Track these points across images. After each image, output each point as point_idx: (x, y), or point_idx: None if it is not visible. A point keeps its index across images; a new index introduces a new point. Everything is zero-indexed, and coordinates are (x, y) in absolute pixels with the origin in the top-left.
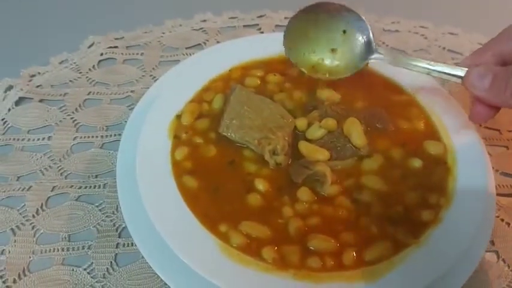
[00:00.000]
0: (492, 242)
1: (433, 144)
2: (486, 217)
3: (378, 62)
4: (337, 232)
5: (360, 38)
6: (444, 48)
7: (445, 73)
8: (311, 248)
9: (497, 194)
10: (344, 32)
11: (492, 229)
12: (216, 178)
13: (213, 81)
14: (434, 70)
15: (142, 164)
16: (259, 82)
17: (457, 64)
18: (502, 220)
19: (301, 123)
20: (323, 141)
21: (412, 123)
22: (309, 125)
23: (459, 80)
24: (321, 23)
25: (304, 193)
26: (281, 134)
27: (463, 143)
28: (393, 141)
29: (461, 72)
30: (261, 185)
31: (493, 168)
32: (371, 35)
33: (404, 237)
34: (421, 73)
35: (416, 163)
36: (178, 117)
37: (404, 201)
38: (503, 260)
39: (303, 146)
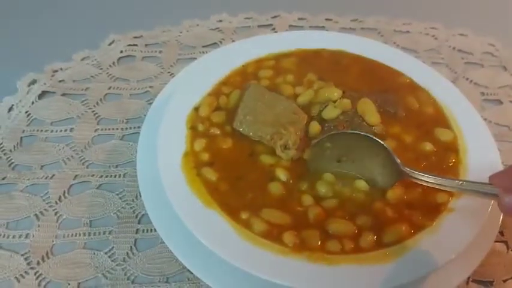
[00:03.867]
0: (501, 233)
1: (444, 131)
2: (495, 208)
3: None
4: (355, 216)
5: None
6: (454, 48)
7: (476, 191)
8: (330, 232)
9: None
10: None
11: (501, 220)
12: (238, 169)
13: (230, 76)
14: (465, 189)
15: (163, 152)
16: (272, 73)
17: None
18: None
19: (314, 127)
20: (338, 120)
21: (423, 110)
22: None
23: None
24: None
25: (323, 183)
26: (293, 129)
27: (474, 138)
28: (404, 125)
29: (492, 191)
30: (282, 174)
31: (502, 163)
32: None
33: (420, 220)
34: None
35: (428, 147)
36: (196, 109)
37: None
38: None
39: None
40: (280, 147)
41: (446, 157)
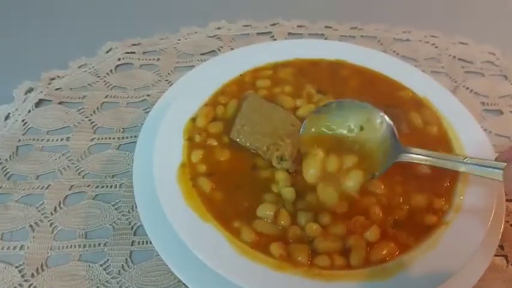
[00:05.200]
0: (501, 247)
1: None
2: (495, 222)
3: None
4: (345, 233)
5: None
6: (455, 57)
7: (483, 166)
8: (319, 249)
9: (507, 200)
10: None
11: (501, 234)
12: (238, 180)
13: (227, 85)
14: (471, 165)
15: (159, 164)
16: (270, 83)
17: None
18: None
19: None
20: None
21: (426, 129)
22: None
23: (499, 177)
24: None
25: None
26: (290, 141)
27: (473, 149)
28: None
29: (499, 167)
30: (276, 187)
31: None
32: (394, 131)
33: (407, 240)
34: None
35: (424, 169)
36: (193, 120)
37: (409, 204)
38: None
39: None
40: (277, 158)
41: (442, 180)
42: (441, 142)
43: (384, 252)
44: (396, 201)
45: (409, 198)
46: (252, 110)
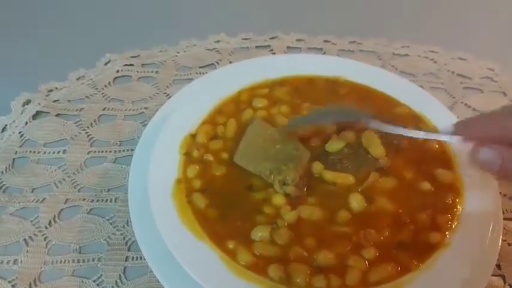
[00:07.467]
0: (499, 266)
1: (445, 173)
2: (492, 241)
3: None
4: (344, 252)
5: None
6: (453, 72)
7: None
8: (317, 263)
9: (505, 219)
10: None
11: (499, 253)
12: (233, 198)
13: (224, 104)
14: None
15: (153, 180)
16: (266, 102)
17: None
18: (509, 244)
19: (317, 166)
20: (343, 153)
21: (426, 142)
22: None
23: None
24: None
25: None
26: (292, 165)
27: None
28: (407, 160)
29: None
30: (269, 208)
31: (500, 193)
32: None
33: (408, 262)
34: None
35: (425, 186)
36: (192, 136)
37: (410, 224)
38: (510, 285)
39: (328, 174)
40: (279, 182)
41: (444, 196)
42: (441, 158)
43: (383, 273)
44: (401, 219)
45: (413, 216)
46: (256, 135)
